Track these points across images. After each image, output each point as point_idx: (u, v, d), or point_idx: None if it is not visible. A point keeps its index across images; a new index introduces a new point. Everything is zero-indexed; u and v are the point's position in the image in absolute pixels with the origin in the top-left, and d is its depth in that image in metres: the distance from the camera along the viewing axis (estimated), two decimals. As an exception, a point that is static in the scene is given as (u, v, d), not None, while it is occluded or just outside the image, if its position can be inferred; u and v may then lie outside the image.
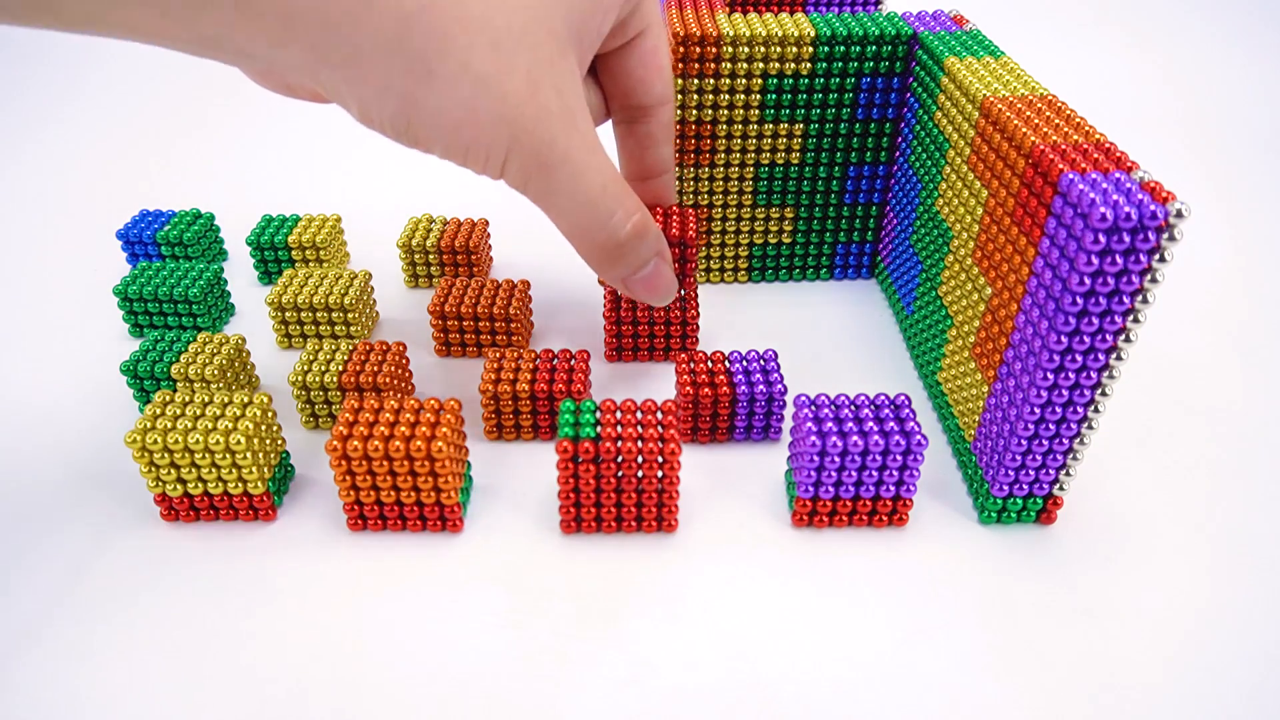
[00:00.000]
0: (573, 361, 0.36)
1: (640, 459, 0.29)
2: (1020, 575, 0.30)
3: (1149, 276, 0.25)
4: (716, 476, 0.34)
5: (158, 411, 0.31)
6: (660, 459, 0.29)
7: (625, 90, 0.34)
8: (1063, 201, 0.26)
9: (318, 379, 0.35)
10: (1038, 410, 0.28)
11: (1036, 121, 0.30)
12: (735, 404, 0.34)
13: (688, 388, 0.34)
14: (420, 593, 0.30)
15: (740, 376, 0.35)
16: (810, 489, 0.30)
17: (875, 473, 0.30)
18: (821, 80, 0.41)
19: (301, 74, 0.25)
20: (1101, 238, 0.24)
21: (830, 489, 0.30)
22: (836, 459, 0.29)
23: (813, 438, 0.29)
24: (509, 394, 0.35)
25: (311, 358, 0.36)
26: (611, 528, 0.32)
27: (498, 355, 0.36)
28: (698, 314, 0.39)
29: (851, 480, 0.30)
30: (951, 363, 0.35)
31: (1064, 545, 0.32)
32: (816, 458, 0.29)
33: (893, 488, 0.31)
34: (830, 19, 0.41)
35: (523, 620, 0.29)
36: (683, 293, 0.38)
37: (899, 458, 0.29)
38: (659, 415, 0.30)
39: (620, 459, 0.29)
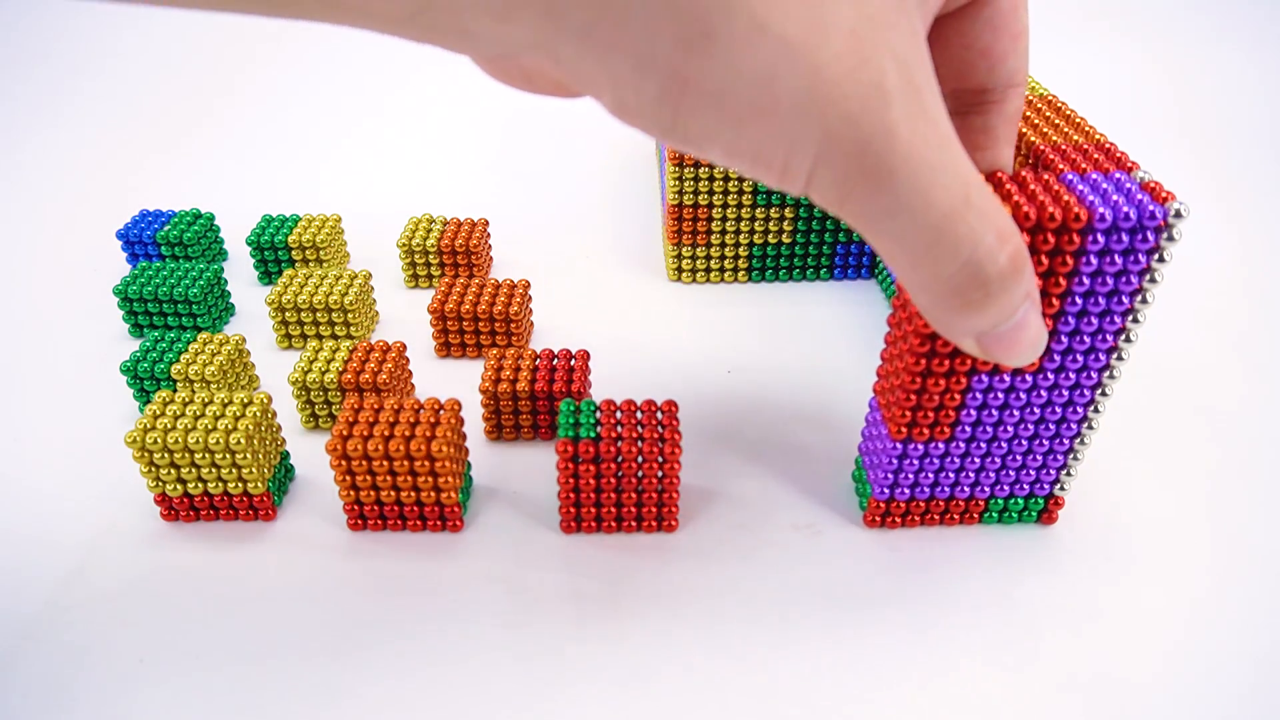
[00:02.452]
0: (573, 361, 0.36)
1: (640, 459, 0.29)
2: (1021, 575, 0.30)
3: (1148, 277, 0.25)
4: (718, 475, 0.34)
5: (158, 411, 0.31)
6: (661, 459, 0.29)
7: (962, 67, 0.25)
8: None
9: (318, 379, 0.35)
10: (1037, 410, 0.28)
11: (1036, 121, 0.30)
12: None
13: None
14: (420, 593, 0.30)
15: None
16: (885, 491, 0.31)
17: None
18: (821, 80, 0.41)
19: (538, 52, 0.19)
20: (1100, 238, 0.24)
21: (906, 490, 0.31)
22: (916, 461, 0.30)
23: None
24: (509, 394, 0.35)
25: (311, 358, 0.36)
26: (611, 528, 0.32)
27: (498, 355, 0.36)
28: None
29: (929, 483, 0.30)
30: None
31: (1065, 545, 0.32)
32: (896, 460, 0.30)
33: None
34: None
35: (523, 620, 0.29)
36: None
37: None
38: (659, 415, 0.30)
39: (620, 459, 0.29)
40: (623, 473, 0.30)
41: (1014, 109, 0.26)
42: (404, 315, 0.45)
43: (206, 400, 0.31)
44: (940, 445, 0.29)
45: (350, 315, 0.41)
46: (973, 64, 0.25)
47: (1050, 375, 0.27)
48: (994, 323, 0.22)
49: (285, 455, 0.34)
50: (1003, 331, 0.23)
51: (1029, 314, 0.23)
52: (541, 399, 0.35)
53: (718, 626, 0.29)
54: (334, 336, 0.42)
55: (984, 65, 0.25)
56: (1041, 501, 0.32)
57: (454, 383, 0.40)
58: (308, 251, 0.46)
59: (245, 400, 0.31)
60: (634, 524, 0.31)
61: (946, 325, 0.23)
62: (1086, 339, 0.26)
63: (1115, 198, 0.24)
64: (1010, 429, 0.29)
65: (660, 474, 0.30)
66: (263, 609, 0.29)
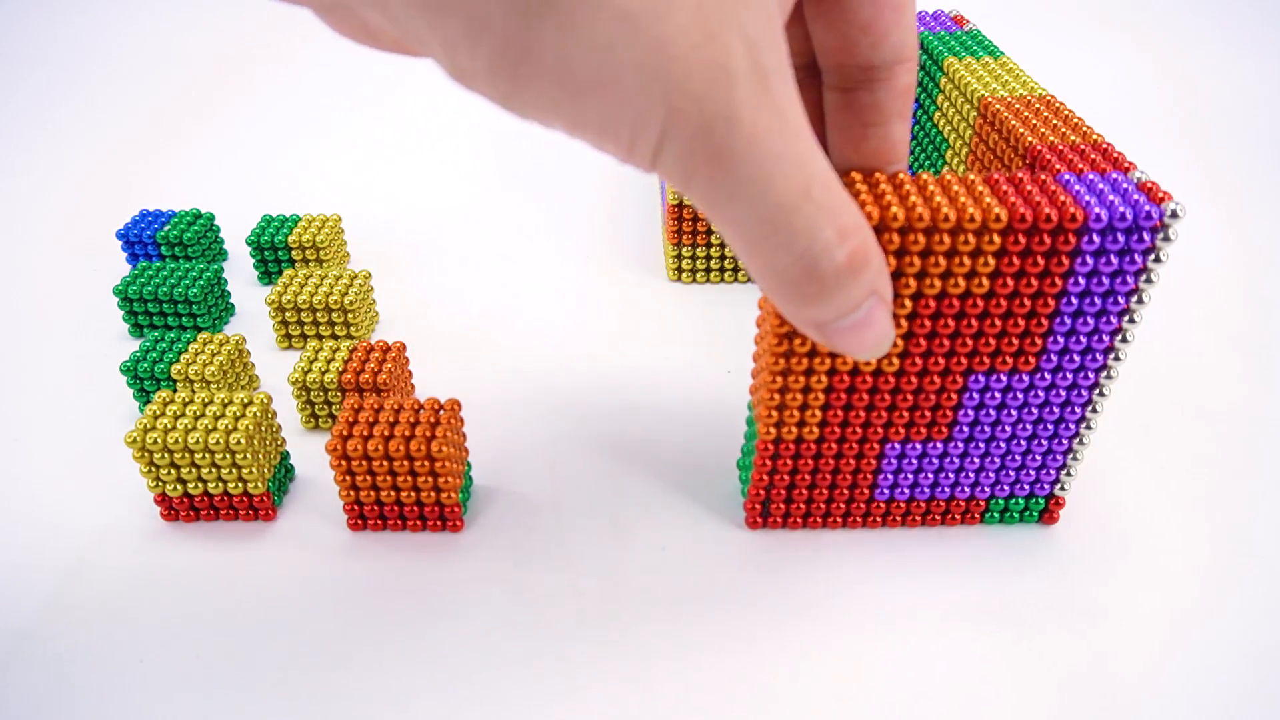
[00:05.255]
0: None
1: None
2: (1021, 575, 0.30)
3: (1144, 277, 0.25)
4: (718, 475, 0.34)
5: (158, 411, 0.31)
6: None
7: (845, 43, 0.24)
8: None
9: (318, 379, 0.35)
10: (1035, 411, 0.28)
11: (1034, 122, 0.30)
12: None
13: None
14: (420, 593, 0.30)
15: None
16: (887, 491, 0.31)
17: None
18: (820, 80, 0.41)
19: (370, 6, 0.18)
20: (1096, 238, 0.24)
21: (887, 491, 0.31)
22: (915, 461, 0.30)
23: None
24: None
25: (311, 358, 0.36)
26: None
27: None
28: None
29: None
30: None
31: (1066, 546, 0.32)
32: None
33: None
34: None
35: (523, 620, 0.29)
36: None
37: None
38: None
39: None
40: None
41: (904, 84, 0.25)
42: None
43: (206, 400, 0.31)
44: (939, 445, 0.29)
45: (350, 315, 0.41)
46: (855, 40, 0.24)
47: (1048, 376, 0.27)
48: (833, 316, 0.22)
49: (285, 455, 0.34)
50: (844, 325, 0.22)
51: (875, 311, 0.23)
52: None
53: (718, 626, 0.29)
54: (334, 336, 0.42)
55: (866, 41, 0.24)
56: (1042, 501, 0.32)
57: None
58: (307, 251, 0.46)
59: (245, 400, 0.31)
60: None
61: (787, 313, 0.22)
62: (1083, 340, 0.26)
63: (1111, 198, 0.24)
64: (1008, 429, 0.29)
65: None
66: (263, 609, 0.29)
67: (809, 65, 0.25)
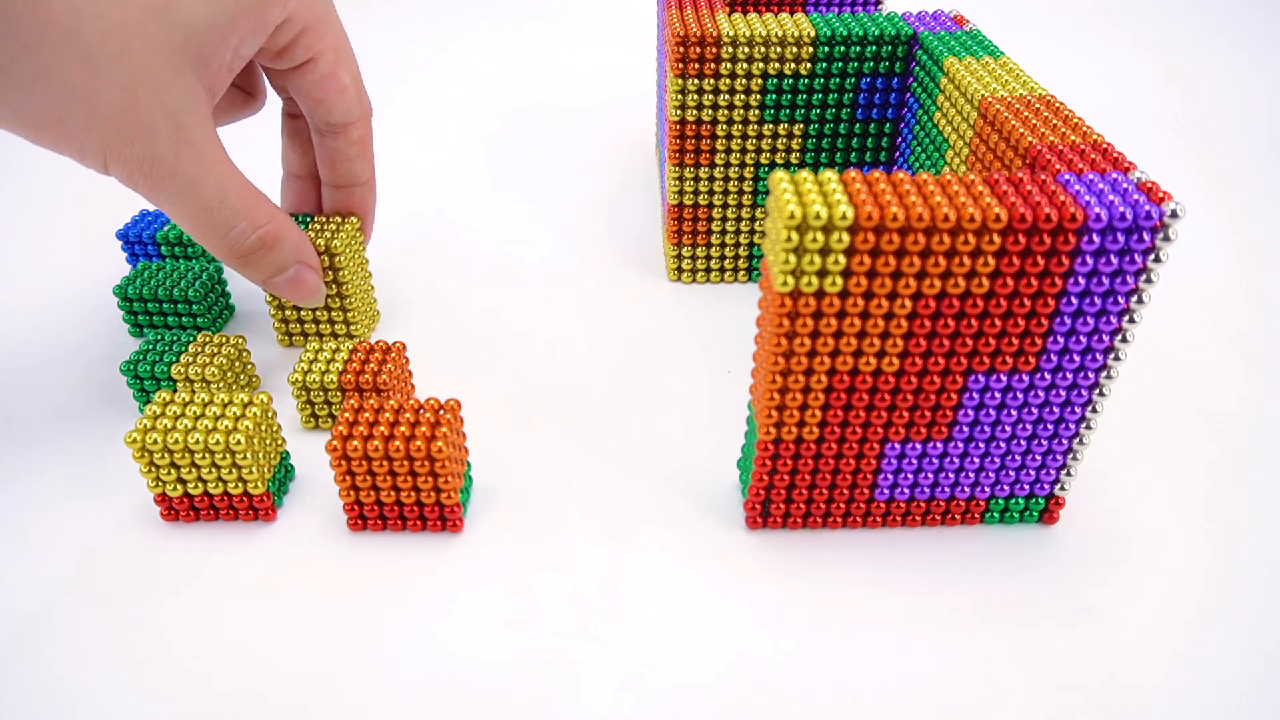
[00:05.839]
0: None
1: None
2: (1021, 575, 0.30)
3: (1144, 277, 0.25)
4: (720, 475, 0.34)
5: (158, 411, 0.31)
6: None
7: (309, 107, 0.36)
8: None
9: (318, 379, 0.35)
10: (1035, 410, 0.28)
11: (1034, 122, 0.30)
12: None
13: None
14: (420, 593, 0.30)
15: None
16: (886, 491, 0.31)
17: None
18: (821, 80, 0.41)
19: None
20: (1096, 238, 0.24)
21: (886, 491, 0.31)
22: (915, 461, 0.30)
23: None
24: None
25: (312, 358, 0.36)
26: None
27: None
28: None
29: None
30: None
31: (1066, 546, 0.32)
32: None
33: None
34: (830, 19, 0.41)
35: (523, 620, 0.29)
36: None
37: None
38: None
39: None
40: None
41: (357, 137, 0.38)
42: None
43: (206, 400, 0.31)
44: (939, 445, 0.29)
45: (350, 315, 0.41)
46: (313, 107, 0.36)
47: (1048, 376, 0.27)
48: (263, 277, 0.35)
49: (285, 455, 0.34)
50: (279, 282, 0.36)
51: (302, 272, 0.36)
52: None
53: (718, 626, 0.29)
54: (334, 336, 0.42)
55: (322, 109, 0.36)
56: (1042, 501, 0.32)
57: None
58: (320, 257, 0.40)
59: (245, 401, 0.31)
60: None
61: (241, 274, 0.35)
62: (1083, 340, 0.26)
63: (1111, 198, 0.24)
64: (1008, 429, 0.29)
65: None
66: (263, 609, 0.29)
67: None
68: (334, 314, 0.41)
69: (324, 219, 0.40)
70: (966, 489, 0.31)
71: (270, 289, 0.36)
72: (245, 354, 0.38)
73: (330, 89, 0.35)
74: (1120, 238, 0.24)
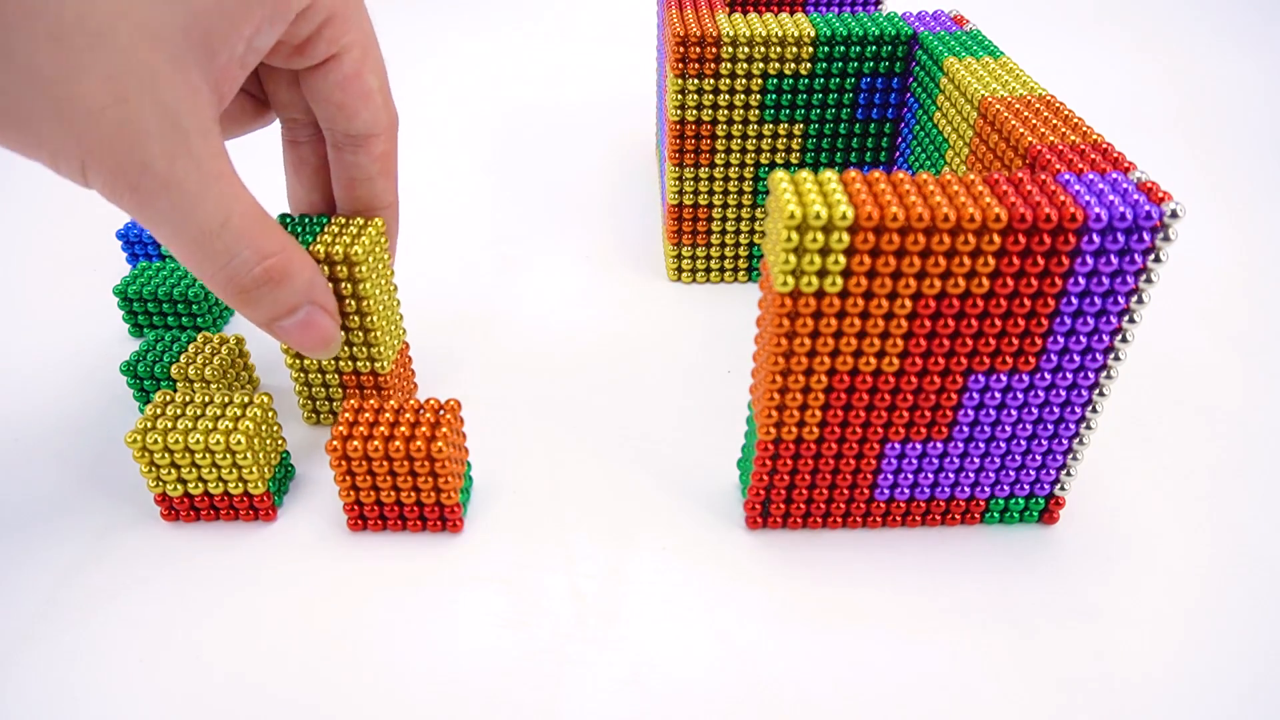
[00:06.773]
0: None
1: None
2: (1021, 575, 0.30)
3: (1144, 277, 0.25)
4: (720, 475, 0.34)
5: (158, 411, 0.31)
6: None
7: (328, 115, 0.30)
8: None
9: (317, 368, 0.35)
10: (1035, 411, 0.28)
11: (1034, 122, 0.30)
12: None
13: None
14: (420, 593, 0.30)
15: None
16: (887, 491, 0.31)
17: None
18: (821, 80, 0.41)
19: None
20: (1096, 238, 0.24)
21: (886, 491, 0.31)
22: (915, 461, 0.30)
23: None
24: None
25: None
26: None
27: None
28: None
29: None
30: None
31: (1066, 546, 0.32)
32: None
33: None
34: (830, 19, 0.41)
35: (523, 620, 0.29)
36: None
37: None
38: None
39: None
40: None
41: (380, 151, 0.31)
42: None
43: (206, 400, 0.31)
44: (939, 445, 0.29)
45: (372, 337, 0.40)
46: (333, 115, 0.30)
47: (1048, 376, 0.27)
48: (266, 318, 0.28)
49: (285, 455, 0.34)
50: (288, 325, 0.29)
51: (314, 316, 0.29)
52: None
53: (718, 626, 0.29)
54: (352, 360, 0.41)
55: (342, 117, 0.30)
56: (1042, 501, 0.32)
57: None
58: (338, 268, 0.32)
59: (245, 400, 0.31)
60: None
61: (240, 313, 0.28)
62: (1083, 340, 0.26)
63: (1111, 198, 0.24)
64: (1008, 429, 0.29)
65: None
66: (262, 609, 0.29)
67: (317, 125, 0.32)
68: (354, 335, 0.34)
69: (342, 220, 0.33)
70: (966, 489, 0.31)
71: (275, 333, 0.29)
72: (245, 354, 0.38)
73: (354, 92, 0.30)
74: (1120, 238, 0.24)
